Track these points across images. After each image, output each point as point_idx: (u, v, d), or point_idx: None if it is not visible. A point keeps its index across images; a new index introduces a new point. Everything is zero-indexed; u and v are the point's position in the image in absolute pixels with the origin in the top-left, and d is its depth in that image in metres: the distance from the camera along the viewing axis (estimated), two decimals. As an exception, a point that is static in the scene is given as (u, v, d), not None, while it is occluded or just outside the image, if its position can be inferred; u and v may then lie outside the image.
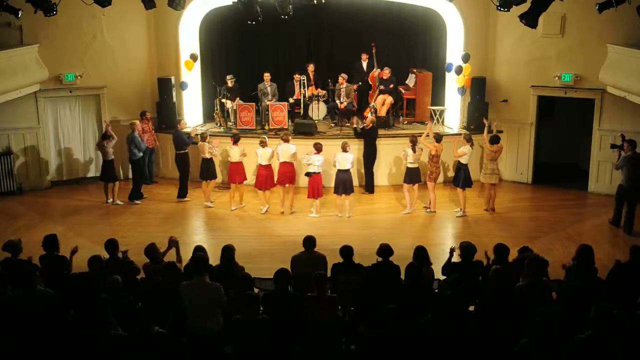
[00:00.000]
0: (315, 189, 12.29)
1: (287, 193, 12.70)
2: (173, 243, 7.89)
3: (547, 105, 14.55)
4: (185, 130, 13.29)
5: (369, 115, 14.77)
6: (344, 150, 12.20)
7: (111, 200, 13.21)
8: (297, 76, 15.07)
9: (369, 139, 13.34)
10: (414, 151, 12.26)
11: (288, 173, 12.51)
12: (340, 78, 14.79)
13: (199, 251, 7.54)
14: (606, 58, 12.74)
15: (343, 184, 12.19)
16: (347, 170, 12.21)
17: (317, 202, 12.43)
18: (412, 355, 5.67)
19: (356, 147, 13.52)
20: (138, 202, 13.26)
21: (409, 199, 12.56)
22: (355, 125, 13.56)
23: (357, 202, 12.96)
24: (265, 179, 12.54)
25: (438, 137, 12.41)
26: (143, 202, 13.38)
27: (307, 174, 12.27)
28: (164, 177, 14.64)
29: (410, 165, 12.42)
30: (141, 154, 13.22)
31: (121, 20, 14.15)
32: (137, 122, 13.39)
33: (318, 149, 12.25)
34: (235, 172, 12.66)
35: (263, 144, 12.49)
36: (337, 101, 14.87)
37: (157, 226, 11.96)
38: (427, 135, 12.57)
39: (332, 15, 15.29)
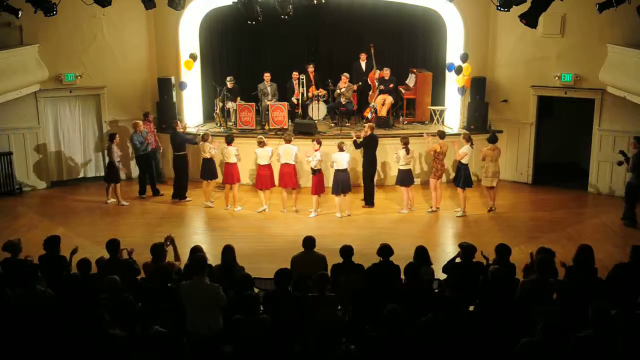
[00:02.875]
0: (321, 185, 12.36)
1: (290, 194, 12.71)
2: (168, 240, 7.79)
3: (547, 105, 14.55)
4: (187, 131, 13.29)
5: (368, 115, 14.83)
6: (341, 149, 12.19)
7: (114, 200, 13.16)
8: (295, 74, 15.07)
9: (368, 148, 12.61)
10: (407, 152, 12.25)
11: (290, 175, 12.50)
12: (343, 77, 14.77)
13: (197, 251, 7.54)
14: (606, 58, 12.74)
15: (342, 184, 12.19)
16: (345, 170, 12.21)
17: (318, 199, 12.44)
18: (412, 355, 5.68)
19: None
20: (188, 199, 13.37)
21: (405, 199, 12.56)
22: (355, 138, 12.71)
23: (358, 202, 12.94)
24: (265, 179, 12.54)
25: (441, 134, 12.42)
26: (143, 202, 13.38)
27: (315, 172, 12.26)
28: (164, 176, 14.63)
29: (402, 167, 12.41)
30: (182, 152, 13.20)
31: (121, 20, 14.15)
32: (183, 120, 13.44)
33: (319, 143, 12.31)
34: (229, 173, 12.65)
35: (261, 144, 12.49)
36: (341, 99, 14.82)
37: (158, 226, 11.95)
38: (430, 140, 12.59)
39: (332, 16, 15.28)
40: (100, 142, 14.85)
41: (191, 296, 6.35)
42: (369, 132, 12.57)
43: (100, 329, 5.69)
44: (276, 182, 12.80)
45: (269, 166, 12.56)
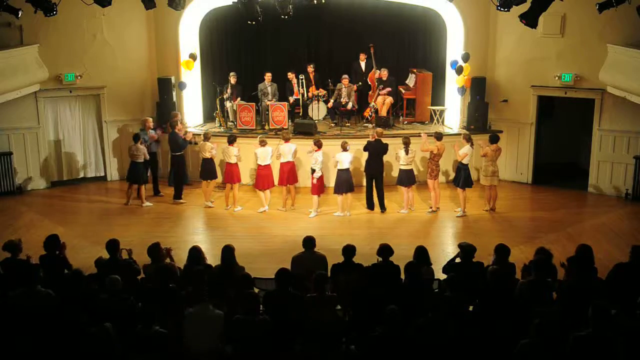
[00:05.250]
0: (321, 185, 12.36)
1: (289, 192, 12.73)
2: (167, 253, 7.81)
3: (547, 105, 14.55)
4: (181, 132, 13.26)
5: (368, 115, 14.84)
6: (344, 149, 12.20)
7: (148, 203, 13.06)
8: (290, 74, 15.06)
9: (371, 152, 12.48)
10: (407, 153, 12.25)
11: (290, 172, 12.56)
12: (344, 80, 14.76)
13: (195, 252, 7.52)
14: (606, 58, 12.74)
15: (345, 183, 12.19)
16: (347, 169, 12.22)
17: (318, 199, 12.43)
18: (412, 355, 5.68)
19: (355, 148, 13.53)
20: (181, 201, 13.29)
21: (406, 199, 12.56)
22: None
23: (358, 202, 12.94)
24: (264, 179, 12.54)
25: (439, 136, 12.42)
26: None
27: (314, 172, 12.26)
28: (165, 176, 14.61)
29: (402, 167, 12.40)
30: (180, 153, 13.15)
31: (121, 20, 14.14)
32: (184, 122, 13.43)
33: (319, 145, 12.29)
34: (230, 173, 12.64)
35: (263, 143, 12.49)
36: (339, 100, 14.83)
37: (157, 226, 11.96)
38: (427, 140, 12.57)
39: (332, 16, 15.29)
40: (101, 142, 14.86)
41: (195, 325, 6.09)
42: (371, 138, 12.50)
43: (79, 328, 5.73)
44: (276, 181, 12.82)
45: (268, 166, 12.56)
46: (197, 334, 6.07)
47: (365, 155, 12.77)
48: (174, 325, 6.20)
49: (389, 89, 14.75)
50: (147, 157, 12.96)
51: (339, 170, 12.23)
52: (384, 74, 14.76)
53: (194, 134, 13.64)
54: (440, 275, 7.81)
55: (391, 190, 13.18)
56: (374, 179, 12.63)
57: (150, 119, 13.49)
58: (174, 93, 14.59)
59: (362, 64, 15.39)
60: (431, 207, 12.59)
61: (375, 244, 7.72)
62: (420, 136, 12.87)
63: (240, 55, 16.24)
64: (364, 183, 13.15)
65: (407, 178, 12.40)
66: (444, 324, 5.85)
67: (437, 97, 15.37)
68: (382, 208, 12.67)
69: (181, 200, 13.25)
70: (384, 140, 12.60)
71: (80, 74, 14.10)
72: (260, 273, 7.79)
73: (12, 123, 13.76)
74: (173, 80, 14.57)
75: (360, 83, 15.04)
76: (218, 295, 6.71)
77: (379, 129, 13.00)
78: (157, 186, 13.71)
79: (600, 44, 12.83)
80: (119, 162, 14.79)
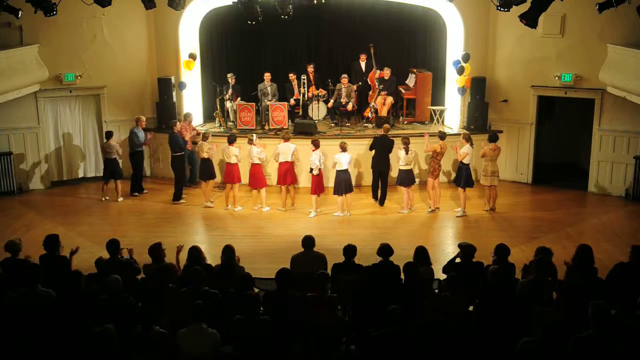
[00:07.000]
0: (320, 185, 12.39)
1: (288, 192, 12.73)
2: (178, 248, 7.93)
3: (547, 105, 14.56)
4: (189, 133, 13.36)
5: (368, 115, 14.84)
6: (343, 150, 12.21)
7: (108, 197, 13.26)
8: (292, 75, 15.07)
9: (378, 148, 12.67)
10: (407, 152, 12.25)
11: (288, 172, 12.56)
12: (343, 80, 14.77)
13: (195, 252, 7.51)
14: (606, 58, 12.74)
15: (344, 184, 12.21)
16: (346, 170, 12.24)
17: (317, 198, 12.44)
18: (412, 355, 5.68)
19: (355, 148, 13.54)
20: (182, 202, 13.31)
21: (406, 200, 12.57)
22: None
23: (358, 201, 12.95)
24: (253, 177, 12.56)
25: (442, 135, 12.43)
26: (143, 202, 13.37)
27: (312, 171, 12.27)
28: (165, 176, 14.64)
29: (402, 167, 12.41)
30: (180, 153, 13.21)
31: (121, 20, 14.15)
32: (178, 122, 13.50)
33: (316, 145, 12.31)
34: (230, 173, 12.65)
35: (250, 142, 12.48)
36: (339, 100, 14.84)
37: (158, 226, 11.96)
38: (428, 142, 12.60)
39: (332, 15, 15.29)
40: (101, 142, 14.86)
41: (189, 344, 5.90)
42: (378, 134, 12.61)
43: (83, 327, 5.72)
44: (275, 181, 12.82)
45: (258, 165, 12.56)
46: (191, 354, 5.86)
47: (368, 154, 12.83)
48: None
49: (384, 92, 14.70)
50: (120, 153, 13.18)
51: (337, 171, 12.23)
52: (387, 72, 14.76)
53: (197, 134, 13.66)
54: (440, 275, 7.81)
55: (391, 190, 13.18)
56: (380, 175, 12.76)
57: (144, 118, 13.51)
58: (174, 93, 14.59)
59: (362, 64, 15.39)
60: (430, 207, 12.59)
61: (375, 244, 7.71)
62: (423, 136, 12.88)
63: (240, 55, 16.24)
64: (364, 182, 13.14)
65: (406, 178, 12.40)
66: (444, 324, 5.85)
67: (437, 97, 15.37)
68: (382, 204, 12.85)
69: (181, 201, 13.26)
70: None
71: (80, 74, 14.10)
72: (260, 273, 7.79)
73: (12, 123, 13.77)
74: (173, 80, 14.57)
75: (360, 83, 15.04)
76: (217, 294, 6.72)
77: (386, 125, 13.03)
78: (139, 184, 13.73)
79: (600, 44, 12.83)
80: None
